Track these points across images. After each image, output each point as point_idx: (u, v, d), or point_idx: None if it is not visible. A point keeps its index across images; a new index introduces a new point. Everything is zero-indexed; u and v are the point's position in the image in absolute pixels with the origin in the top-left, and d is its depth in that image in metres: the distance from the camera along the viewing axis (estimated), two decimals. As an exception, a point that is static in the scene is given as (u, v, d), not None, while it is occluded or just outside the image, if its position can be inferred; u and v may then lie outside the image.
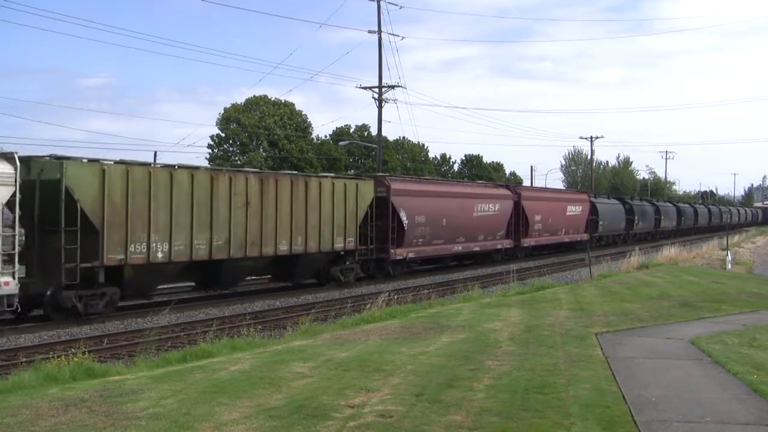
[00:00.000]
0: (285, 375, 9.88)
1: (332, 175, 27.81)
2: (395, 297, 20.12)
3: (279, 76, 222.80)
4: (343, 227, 25.66)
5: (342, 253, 26.21)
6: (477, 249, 35.25)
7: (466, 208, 34.23)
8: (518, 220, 38.91)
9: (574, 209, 45.98)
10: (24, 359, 13.37)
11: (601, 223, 51.02)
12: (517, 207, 38.84)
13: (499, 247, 37.35)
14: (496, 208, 36.60)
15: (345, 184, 26.11)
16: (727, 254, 36.70)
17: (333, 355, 11.40)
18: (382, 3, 42.18)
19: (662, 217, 67.23)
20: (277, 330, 17.51)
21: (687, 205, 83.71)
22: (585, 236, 47.33)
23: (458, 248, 33.72)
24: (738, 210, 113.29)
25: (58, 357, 11.56)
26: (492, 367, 10.30)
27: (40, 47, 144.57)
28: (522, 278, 28.32)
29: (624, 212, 57.06)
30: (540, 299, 19.60)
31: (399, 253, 29.09)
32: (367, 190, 27.42)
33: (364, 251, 27.44)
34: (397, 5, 45.75)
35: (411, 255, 30.06)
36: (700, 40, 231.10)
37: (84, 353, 11.77)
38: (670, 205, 75.75)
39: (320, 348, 12.14)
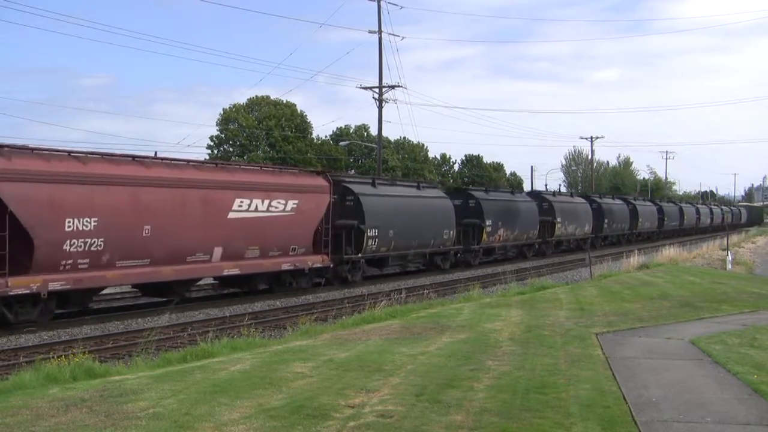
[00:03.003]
0: (285, 375, 9.88)
1: None
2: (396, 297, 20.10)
3: (279, 76, 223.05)
4: None
5: None
6: None
7: None
8: None
9: (265, 206, 22.61)
10: (24, 359, 13.37)
11: (372, 234, 26.81)
12: None
13: None
14: None
15: None
16: (728, 254, 36.78)
17: (333, 355, 11.39)
18: (382, 3, 42.26)
19: (558, 220, 40.38)
20: (277, 330, 17.53)
21: (619, 202, 54.48)
22: (316, 261, 24.69)
23: None
24: (710, 209, 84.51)
25: (58, 357, 11.56)
26: (492, 367, 10.29)
27: (39, 47, 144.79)
28: (522, 278, 28.33)
29: (454, 213, 32.26)
30: (540, 299, 19.59)
31: None
32: None
33: None
34: (397, 5, 45.94)
35: None
36: (700, 40, 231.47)
37: (84, 353, 11.78)
38: (582, 200, 47.58)
39: (320, 348, 12.13)
